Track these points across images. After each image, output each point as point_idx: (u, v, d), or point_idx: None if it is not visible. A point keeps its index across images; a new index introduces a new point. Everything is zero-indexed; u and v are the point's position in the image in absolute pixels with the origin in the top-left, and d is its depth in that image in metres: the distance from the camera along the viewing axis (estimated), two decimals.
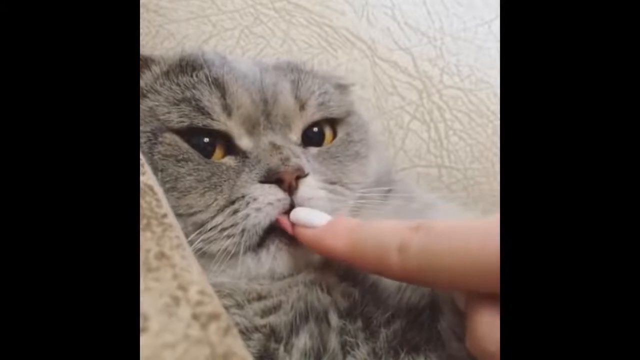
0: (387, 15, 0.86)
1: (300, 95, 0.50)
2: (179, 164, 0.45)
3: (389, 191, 0.53)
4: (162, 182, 0.44)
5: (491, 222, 0.31)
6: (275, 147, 0.45)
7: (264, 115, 0.48)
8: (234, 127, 0.47)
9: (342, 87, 0.60)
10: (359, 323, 0.38)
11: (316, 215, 0.42)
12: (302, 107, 0.50)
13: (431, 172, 0.82)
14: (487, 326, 0.32)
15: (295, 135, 0.49)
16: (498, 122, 0.81)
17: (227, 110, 0.46)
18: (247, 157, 0.46)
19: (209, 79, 0.47)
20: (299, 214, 0.42)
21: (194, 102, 0.46)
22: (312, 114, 0.50)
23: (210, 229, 0.43)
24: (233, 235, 0.43)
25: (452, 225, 0.33)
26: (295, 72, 0.52)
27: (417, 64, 0.84)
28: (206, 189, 0.44)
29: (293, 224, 0.42)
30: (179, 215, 0.42)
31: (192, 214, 0.44)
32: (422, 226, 0.33)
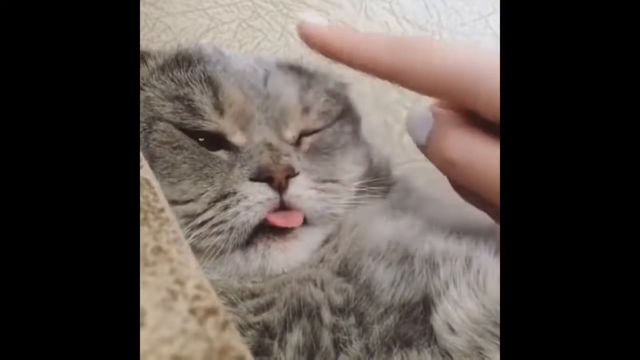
0: (385, 9, 0.85)
1: (307, 99, 0.50)
2: (175, 152, 0.46)
3: (387, 186, 0.53)
4: (159, 170, 0.45)
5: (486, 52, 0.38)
6: (266, 145, 0.46)
7: (261, 110, 0.48)
8: (226, 125, 0.47)
9: (342, 85, 0.60)
10: (352, 319, 0.38)
11: (321, 19, 0.45)
12: (306, 110, 0.50)
13: (429, 166, 0.82)
14: (453, 137, 0.38)
15: (291, 134, 0.49)
16: None
17: (219, 108, 0.46)
18: (239, 151, 0.46)
19: (203, 76, 0.47)
20: (309, 16, 0.45)
21: (186, 102, 0.46)
22: (314, 120, 0.51)
23: (201, 223, 0.43)
24: (222, 232, 0.43)
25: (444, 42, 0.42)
26: (302, 76, 0.52)
27: None
28: (198, 179, 0.45)
29: (282, 216, 0.44)
30: (172, 202, 0.43)
31: (184, 202, 0.44)
32: (417, 37, 0.42)
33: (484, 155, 0.36)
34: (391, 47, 0.40)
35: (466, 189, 0.41)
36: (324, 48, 0.44)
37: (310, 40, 0.44)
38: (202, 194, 0.44)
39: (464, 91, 0.37)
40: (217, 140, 0.47)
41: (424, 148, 0.42)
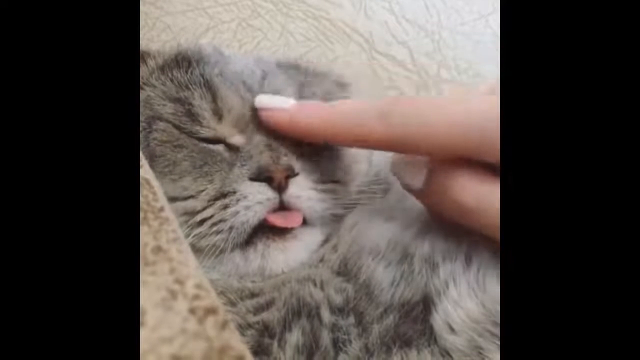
0: (384, 8, 0.85)
1: (306, 99, 0.50)
2: (175, 150, 0.46)
3: (387, 185, 0.53)
4: (160, 167, 0.45)
5: (476, 98, 0.37)
6: (266, 144, 0.46)
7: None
8: (225, 130, 0.47)
9: (341, 85, 0.60)
10: (351, 319, 0.38)
11: (281, 98, 0.45)
12: None
13: None
14: (467, 185, 0.37)
15: None
16: None
17: (218, 114, 0.47)
18: (239, 151, 0.46)
19: (202, 79, 0.47)
20: (264, 99, 0.45)
21: (186, 106, 0.46)
22: None
23: (200, 222, 0.43)
24: (221, 231, 0.43)
25: (434, 98, 0.39)
26: (301, 74, 0.52)
27: (415, 57, 0.84)
28: (199, 176, 0.45)
29: (281, 216, 0.44)
30: (173, 199, 0.43)
31: (185, 198, 0.44)
32: (403, 97, 0.39)
33: (494, 196, 0.36)
34: (381, 116, 0.39)
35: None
36: (296, 132, 0.44)
37: (276, 125, 0.44)
38: (202, 191, 0.44)
39: (469, 148, 0.37)
40: (216, 143, 0.47)
41: (420, 192, 0.42)
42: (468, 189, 0.37)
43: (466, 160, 0.38)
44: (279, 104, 0.45)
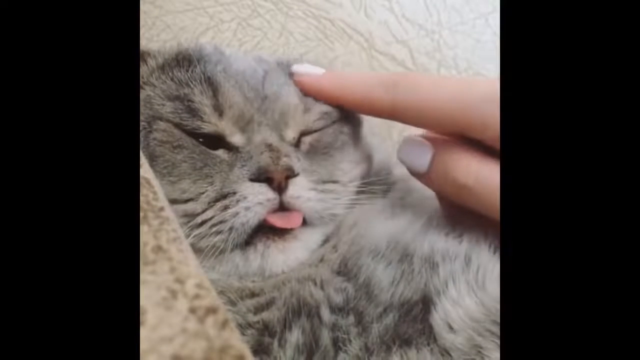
0: (384, 7, 0.85)
1: (308, 99, 0.50)
2: (175, 151, 0.46)
3: (387, 185, 0.53)
4: (159, 168, 0.45)
5: (484, 80, 0.42)
6: (266, 145, 0.46)
7: (260, 111, 0.48)
8: (225, 127, 0.47)
9: None
10: (351, 318, 0.38)
11: (314, 67, 0.53)
12: (307, 110, 0.50)
13: None
14: (466, 165, 0.41)
15: (292, 134, 0.49)
16: None
17: (219, 110, 0.46)
18: (239, 151, 0.46)
19: (203, 76, 0.47)
20: (301, 67, 0.53)
21: (186, 102, 0.46)
22: (315, 120, 0.51)
23: (201, 223, 0.43)
24: (221, 232, 0.43)
25: (440, 76, 0.46)
26: None
27: (415, 56, 0.84)
28: (198, 178, 0.45)
29: (281, 217, 0.44)
30: (172, 201, 0.43)
31: (184, 201, 0.44)
32: (411, 72, 0.47)
33: (491, 176, 0.40)
34: (388, 85, 0.44)
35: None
36: (321, 94, 0.50)
37: (306, 88, 0.51)
38: (202, 193, 0.44)
39: (468, 124, 0.40)
40: (216, 141, 0.47)
41: (424, 175, 0.45)
42: (467, 169, 0.41)
43: (466, 143, 0.42)
44: (312, 70, 0.52)
